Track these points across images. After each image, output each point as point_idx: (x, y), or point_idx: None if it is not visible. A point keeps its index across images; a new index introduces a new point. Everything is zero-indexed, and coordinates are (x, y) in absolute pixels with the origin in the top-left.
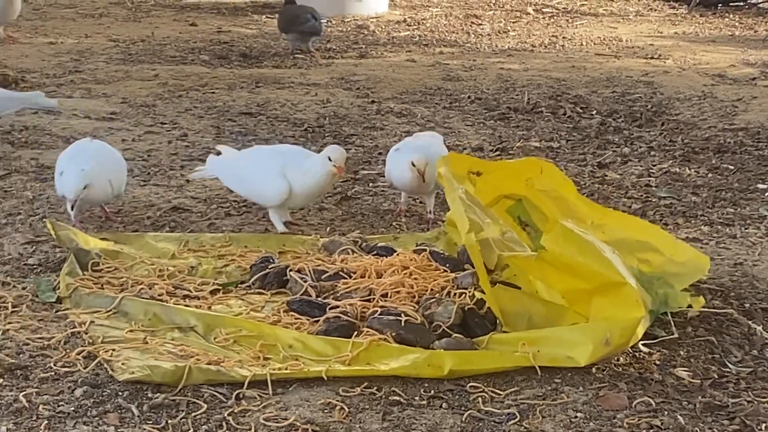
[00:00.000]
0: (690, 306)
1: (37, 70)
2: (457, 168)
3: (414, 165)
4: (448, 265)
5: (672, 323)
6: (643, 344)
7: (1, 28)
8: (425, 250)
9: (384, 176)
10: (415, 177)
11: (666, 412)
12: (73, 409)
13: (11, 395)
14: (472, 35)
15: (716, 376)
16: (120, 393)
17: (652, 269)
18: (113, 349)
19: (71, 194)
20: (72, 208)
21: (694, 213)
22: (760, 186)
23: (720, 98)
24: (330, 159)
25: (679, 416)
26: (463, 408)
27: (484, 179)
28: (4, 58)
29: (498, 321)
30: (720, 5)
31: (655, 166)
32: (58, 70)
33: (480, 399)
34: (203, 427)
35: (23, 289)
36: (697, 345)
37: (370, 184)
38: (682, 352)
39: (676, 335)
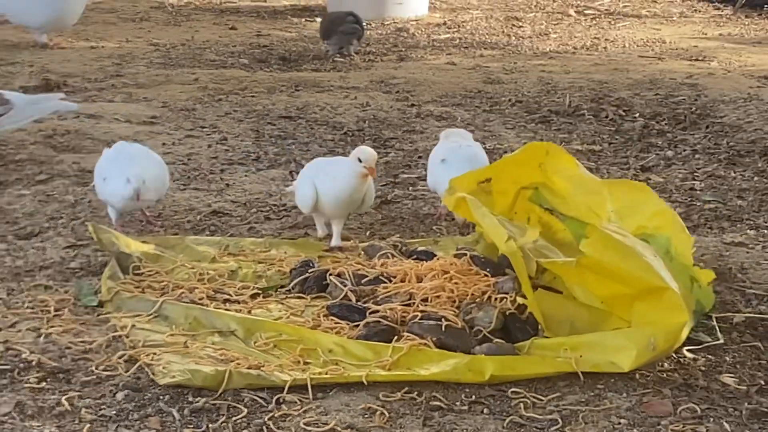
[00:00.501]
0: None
1: (79, 74)
2: (465, 187)
3: None
4: (488, 269)
5: (717, 329)
6: (688, 350)
7: (45, 35)
8: (466, 255)
9: (424, 180)
10: None
11: (711, 419)
12: (114, 412)
13: (54, 399)
14: (513, 38)
15: (762, 383)
16: (161, 397)
17: (667, 231)
18: (154, 353)
19: (126, 200)
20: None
21: (740, 217)
22: None
23: (766, 100)
24: (360, 160)
25: (724, 423)
26: (504, 414)
27: (498, 178)
28: (46, 62)
29: (540, 326)
30: (766, 6)
31: (699, 169)
32: (99, 75)
33: (522, 405)
34: (244, 431)
35: (65, 293)
36: (743, 351)
37: (410, 188)
38: (727, 358)
39: (721, 341)
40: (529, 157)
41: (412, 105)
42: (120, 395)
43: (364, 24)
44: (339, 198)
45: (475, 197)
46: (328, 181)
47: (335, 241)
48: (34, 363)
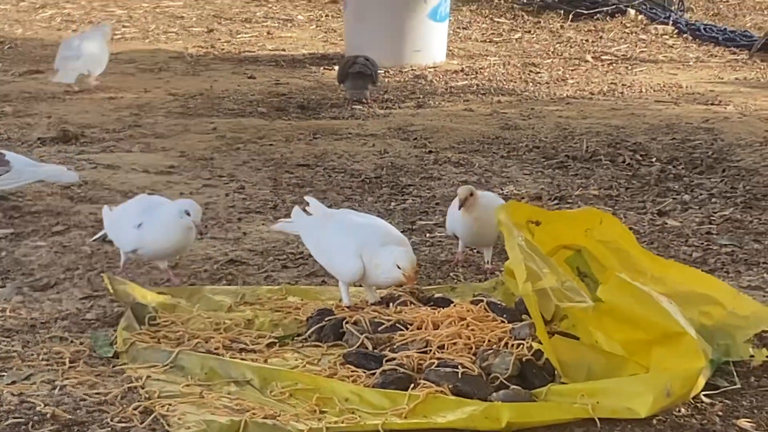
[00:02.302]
0: (752, 356)
1: (97, 125)
2: (516, 217)
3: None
4: (505, 315)
5: (734, 373)
6: (705, 395)
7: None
8: (482, 301)
9: (441, 227)
10: (463, 209)
11: None
12: None
13: None
14: (530, 83)
15: None
16: None
17: (714, 322)
18: (170, 404)
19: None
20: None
21: (756, 260)
22: None
23: None
24: (399, 267)
25: None
26: None
27: (542, 229)
28: (64, 113)
29: (556, 372)
30: None
31: (716, 213)
32: (117, 125)
33: None
34: None
35: (81, 344)
36: (760, 395)
37: (427, 235)
38: (745, 403)
39: (738, 385)
40: (580, 220)
41: (430, 152)
42: None
43: (379, 69)
44: (377, 284)
45: (521, 232)
46: (372, 266)
47: (347, 300)
48: (48, 415)
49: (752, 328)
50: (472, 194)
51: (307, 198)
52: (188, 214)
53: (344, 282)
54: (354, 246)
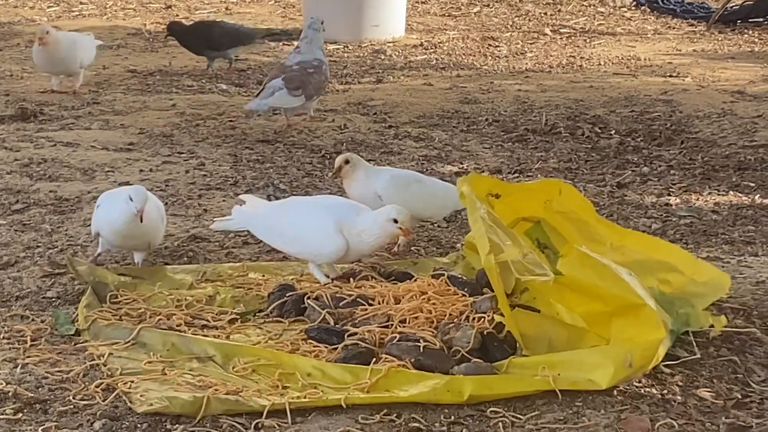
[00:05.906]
0: (712, 326)
1: (55, 102)
2: (477, 189)
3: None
4: (466, 289)
5: (694, 344)
6: (665, 365)
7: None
8: (443, 275)
9: None
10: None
11: None
12: None
13: (30, 430)
14: (489, 57)
15: (739, 397)
16: (139, 425)
17: (673, 290)
18: (132, 381)
19: (139, 204)
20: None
21: (715, 231)
22: None
23: (740, 115)
24: (396, 221)
25: None
26: None
27: (502, 201)
28: (23, 91)
29: (518, 345)
30: (739, 21)
31: (674, 184)
32: (76, 102)
33: (500, 424)
34: None
35: (42, 322)
36: (719, 365)
37: None
38: (704, 373)
39: (698, 356)
40: (539, 191)
41: (390, 126)
42: (97, 425)
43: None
44: (363, 253)
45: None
46: (355, 237)
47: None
48: (10, 394)
49: (711, 296)
50: (347, 162)
51: (243, 196)
52: (132, 199)
53: (321, 263)
54: (332, 224)
